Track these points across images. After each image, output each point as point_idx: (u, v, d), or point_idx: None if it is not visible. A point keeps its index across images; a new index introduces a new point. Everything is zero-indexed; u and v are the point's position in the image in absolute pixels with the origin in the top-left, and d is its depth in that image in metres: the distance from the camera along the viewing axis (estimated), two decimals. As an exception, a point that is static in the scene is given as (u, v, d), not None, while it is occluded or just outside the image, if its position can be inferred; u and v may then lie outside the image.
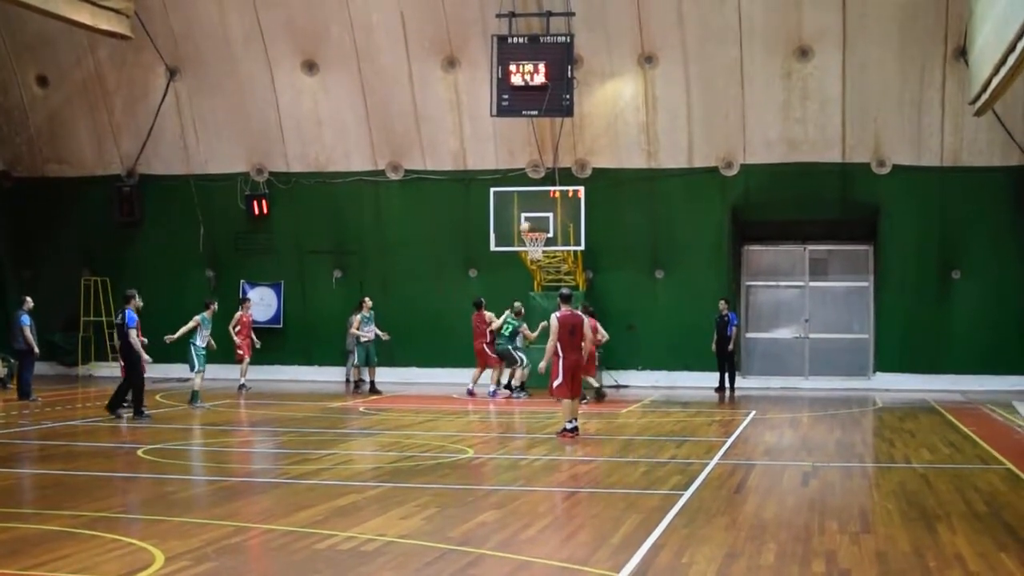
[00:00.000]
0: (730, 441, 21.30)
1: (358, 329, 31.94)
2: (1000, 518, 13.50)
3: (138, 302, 26.27)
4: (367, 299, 32.36)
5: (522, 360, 30.74)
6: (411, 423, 24.45)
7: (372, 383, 32.06)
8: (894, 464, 18.61)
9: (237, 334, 31.94)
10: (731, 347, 33.29)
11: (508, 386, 31.07)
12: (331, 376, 36.01)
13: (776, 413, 27.34)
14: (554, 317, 21.55)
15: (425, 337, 35.70)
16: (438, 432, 22.77)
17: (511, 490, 15.47)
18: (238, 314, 32.25)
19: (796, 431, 24.02)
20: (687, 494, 14.91)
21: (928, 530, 12.70)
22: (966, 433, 22.72)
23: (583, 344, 21.68)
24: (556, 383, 21.46)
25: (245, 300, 33.22)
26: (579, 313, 22.10)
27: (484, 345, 31.19)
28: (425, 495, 14.71)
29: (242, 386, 31.85)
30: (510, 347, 30.87)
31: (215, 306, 29.56)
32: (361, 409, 27.81)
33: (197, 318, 28.31)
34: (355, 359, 33.04)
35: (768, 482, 16.69)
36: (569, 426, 21.33)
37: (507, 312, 31.11)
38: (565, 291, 22.31)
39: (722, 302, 33.38)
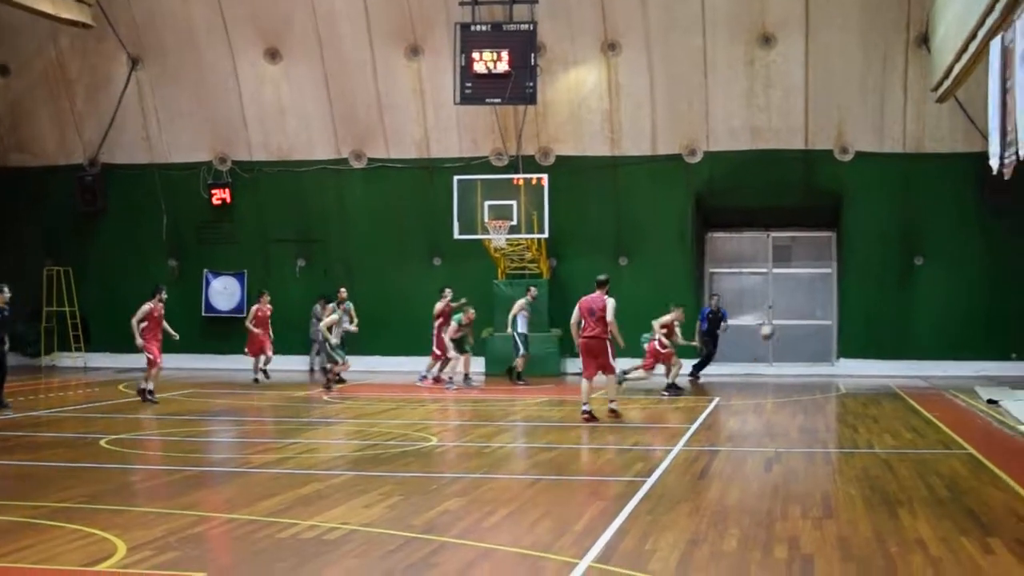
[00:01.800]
0: (694, 428, 21.32)
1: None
2: (961, 503, 13.54)
3: (163, 295, 26.37)
4: (342, 289, 32.29)
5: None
6: (375, 411, 24.42)
7: (338, 372, 32.00)
8: (857, 450, 18.67)
9: (256, 327, 31.89)
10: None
11: (514, 375, 31.36)
12: (295, 365, 35.94)
13: (740, 399, 27.42)
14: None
15: (389, 325, 35.63)
16: (401, 420, 22.76)
17: (474, 478, 15.44)
18: (254, 307, 32.19)
19: (760, 417, 24.07)
20: (651, 481, 14.92)
21: (890, 515, 12.73)
22: (928, 418, 22.81)
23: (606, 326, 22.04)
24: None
25: (262, 293, 32.82)
26: (599, 296, 22.18)
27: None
28: (388, 483, 14.68)
29: (257, 380, 31.64)
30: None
31: (348, 302, 30.50)
32: (325, 398, 27.76)
33: (334, 316, 29.43)
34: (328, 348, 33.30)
35: (731, 468, 16.71)
36: (584, 408, 21.90)
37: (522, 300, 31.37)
38: (600, 277, 22.72)
39: (715, 297, 33.36)
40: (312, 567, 10.28)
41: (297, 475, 15.54)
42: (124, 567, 10.22)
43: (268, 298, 32.64)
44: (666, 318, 28.19)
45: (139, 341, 25.87)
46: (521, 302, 31.15)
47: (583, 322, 22.14)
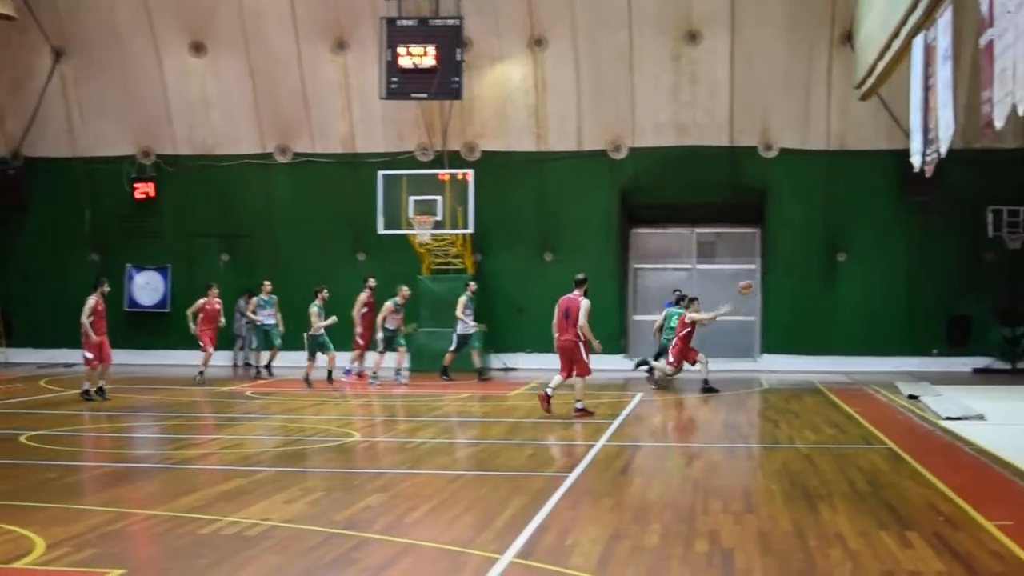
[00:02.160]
0: (617, 423, 21.38)
1: (253, 313, 31.87)
2: (881, 497, 13.66)
3: (106, 288, 25.66)
4: (267, 282, 32.18)
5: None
6: (298, 407, 24.33)
7: (268, 365, 31.81)
8: (778, 445, 18.77)
9: (203, 322, 30.44)
10: None
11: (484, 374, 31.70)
12: (218, 360, 35.59)
13: (663, 394, 27.54)
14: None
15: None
16: (325, 416, 22.70)
17: (397, 473, 15.45)
18: (201, 300, 30.50)
19: (683, 412, 24.21)
20: (573, 476, 14.97)
21: (810, 509, 12.83)
22: (850, 413, 22.96)
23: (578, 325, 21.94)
24: None
25: (209, 287, 31.64)
26: (575, 297, 22.23)
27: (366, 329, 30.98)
28: (311, 479, 14.68)
29: (201, 374, 29.82)
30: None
31: (325, 293, 29.84)
32: (248, 393, 27.65)
33: (313, 309, 29.24)
34: (252, 343, 33.16)
35: (654, 463, 16.81)
36: (547, 390, 22.09)
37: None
38: (578, 276, 22.90)
39: (676, 291, 33.43)
40: (232, 563, 10.25)
41: (219, 471, 15.50)
42: (42, 564, 10.16)
43: (216, 292, 30.99)
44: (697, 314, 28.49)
45: (94, 338, 24.94)
46: (463, 299, 31.00)
47: (559, 323, 22.22)
